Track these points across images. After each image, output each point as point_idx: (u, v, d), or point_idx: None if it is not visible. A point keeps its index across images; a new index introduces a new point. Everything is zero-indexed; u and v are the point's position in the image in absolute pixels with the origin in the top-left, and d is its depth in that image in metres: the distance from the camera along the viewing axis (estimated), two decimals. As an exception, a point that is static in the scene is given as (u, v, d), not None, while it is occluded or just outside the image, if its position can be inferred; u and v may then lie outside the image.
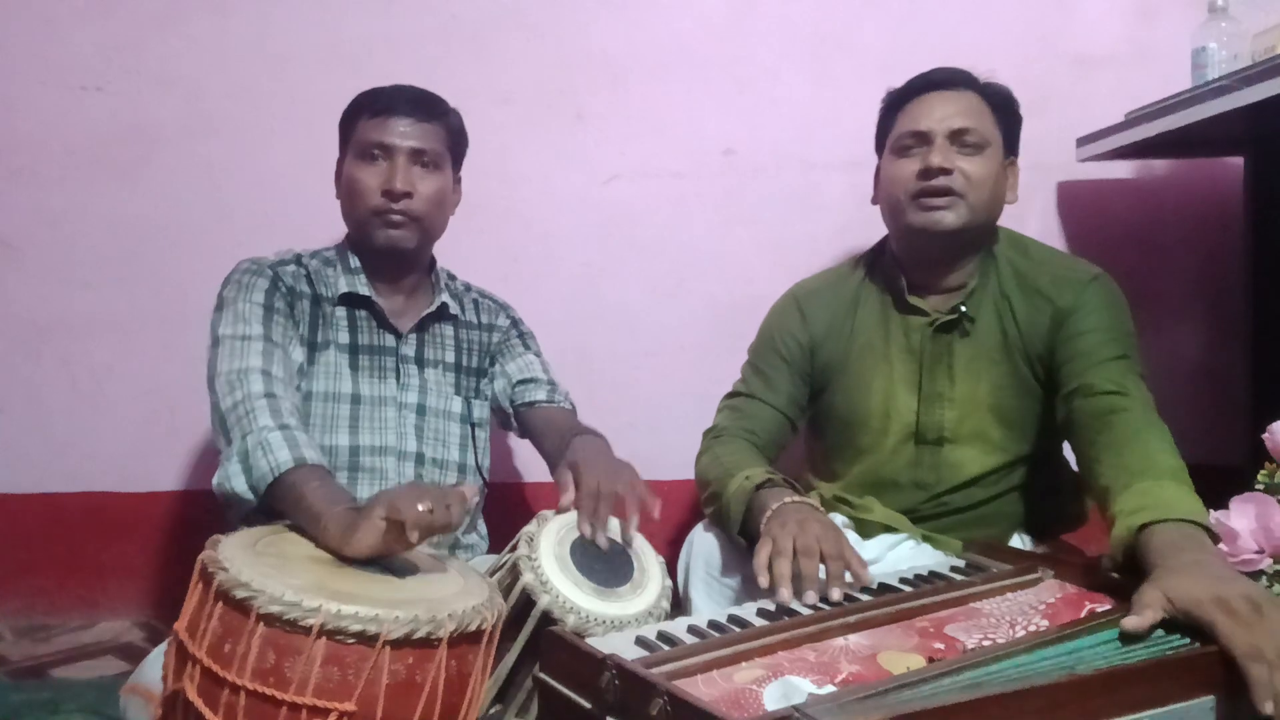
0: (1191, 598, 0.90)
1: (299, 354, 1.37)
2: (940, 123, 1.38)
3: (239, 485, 1.18)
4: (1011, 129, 1.45)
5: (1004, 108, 1.43)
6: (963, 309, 1.41)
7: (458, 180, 1.53)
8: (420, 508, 1.01)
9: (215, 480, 1.21)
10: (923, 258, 1.44)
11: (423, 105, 1.43)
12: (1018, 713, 0.76)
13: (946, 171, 1.36)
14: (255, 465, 1.17)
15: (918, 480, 1.43)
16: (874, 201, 1.50)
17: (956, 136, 1.37)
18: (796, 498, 1.23)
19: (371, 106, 1.43)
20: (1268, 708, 0.82)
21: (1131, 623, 0.90)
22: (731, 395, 1.53)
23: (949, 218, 1.37)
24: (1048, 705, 0.77)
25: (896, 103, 1.45)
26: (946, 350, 1.42)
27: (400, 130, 1.40)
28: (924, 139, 1.39)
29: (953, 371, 1.42)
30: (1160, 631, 0.92)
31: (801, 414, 1.52)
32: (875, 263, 1.53)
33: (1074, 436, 1.31)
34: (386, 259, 1.44)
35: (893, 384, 1.44)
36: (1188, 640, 0.90)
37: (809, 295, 1.54)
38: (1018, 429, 1.40)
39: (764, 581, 1.08)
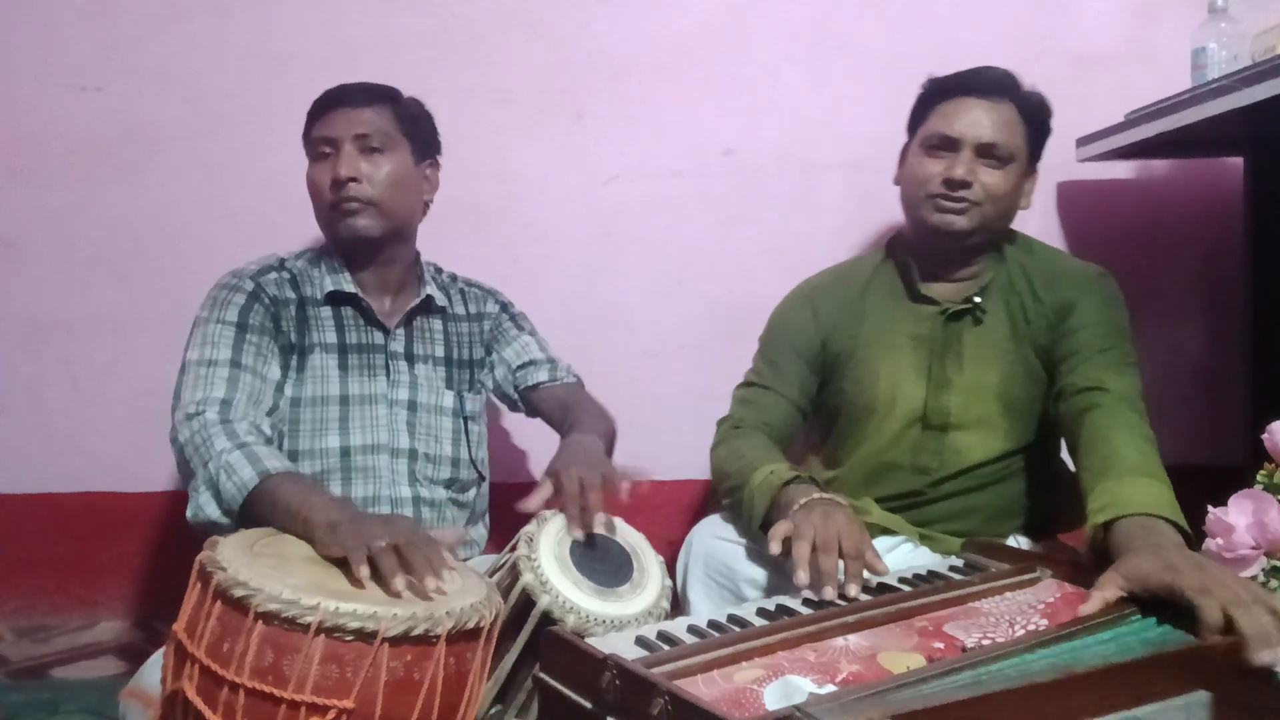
0: (1142, 572, 0.98)
1: (276, 371, 1.37)
2: (970, 131, 1.39)
3: (213, 512, 1.19)
4: (1039, 140, 1.46)
5: (1037, 120, 1.44)
6: (976, 299, 1.43)
7: (429, 165, 1.50)
8: (399, 584, 0.99)
9: (189, 513, 1.22)
10: (934, 249, 1.46)
11: (363, 92, 1.42)
12: (1016, 711, 0.76)
13: (967, 185, 1.39)
14: (224, 489, 1.18)
15: (919, 464, 1.44)
16: (895, 181, 1.52)
17: (984, 149, 1.39)
18: (824, 494, 1.24)
19: (317, 107, 1.43)
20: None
21: (1087, 607, 0.96)
22: (744, 385, 1.54)
23: (961, 222, 1.40)
24: (1046, 702, 0.78)
25: (935, 95, 1.46)
26: (957, 338, 1.44)
27: (341, 121, 1.40)
28: (952, 145, 1.40)
29: (962, 359, 1.43)
30: (1165, 628, 0.94)
31: (811, 404, 1.54)
32: (892, 249, 1.55)
33: (1065, 438, 1.36)
34: (359, 251, 1.43)
35: (900, 370, 1.45)
36: (1184, 635, 0.91)
37: (819, 290, 1.55)
38: (1023, 418, 1.42)
39: (774, 549, 1.14)
